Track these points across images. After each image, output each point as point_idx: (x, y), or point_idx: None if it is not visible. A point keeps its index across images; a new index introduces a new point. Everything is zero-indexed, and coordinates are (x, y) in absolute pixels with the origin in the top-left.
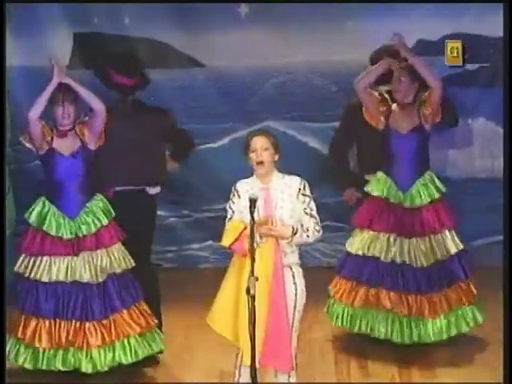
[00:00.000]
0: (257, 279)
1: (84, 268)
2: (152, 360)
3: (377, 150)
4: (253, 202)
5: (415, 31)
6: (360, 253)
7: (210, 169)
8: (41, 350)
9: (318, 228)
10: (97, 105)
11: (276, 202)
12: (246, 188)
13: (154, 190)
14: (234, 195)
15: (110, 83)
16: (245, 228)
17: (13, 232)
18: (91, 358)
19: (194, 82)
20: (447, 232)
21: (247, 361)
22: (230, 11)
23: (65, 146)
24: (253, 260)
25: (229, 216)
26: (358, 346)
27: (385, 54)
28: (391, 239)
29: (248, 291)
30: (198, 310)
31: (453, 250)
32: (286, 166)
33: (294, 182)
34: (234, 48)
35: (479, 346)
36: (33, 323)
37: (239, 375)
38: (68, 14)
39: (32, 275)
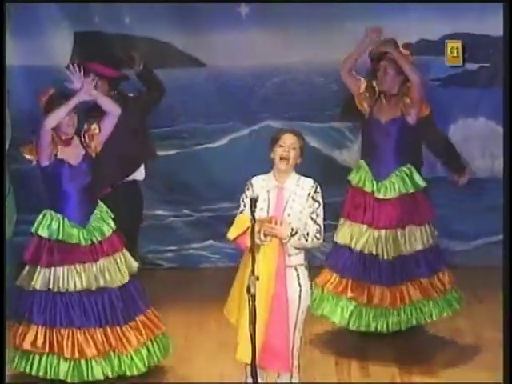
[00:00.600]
0: (257, 278)
1: (108, 272)
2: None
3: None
4: (253, 202)
5: (416, 31)
6: (341, 242)
7: (210, 168)
8: (83, 362)
9: (318, 236)
10: (113, 107)
11: (287, 202)
12: (260, 184)
13: (140, 175)
14: (248, 189)
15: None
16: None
17: (13, 231)
18: (132, 360)
19: (194, 81)
20: (415, 227)
21: (241, 356)
22: (230, 11)
23: (71, 154)
24: (253, 259)
25: (240, 209)
26: (358, 346)
27: (383, 47)
28: (363, 229)
29: (248, 290)
30: (198, 310)
31: (419, 246)
32: None
33: (307, 185)
34: (235, 48)
35: (479, 346)
36: (69, 335)
37: (246, 375)
38: (69, 13)
39: (56, 287)
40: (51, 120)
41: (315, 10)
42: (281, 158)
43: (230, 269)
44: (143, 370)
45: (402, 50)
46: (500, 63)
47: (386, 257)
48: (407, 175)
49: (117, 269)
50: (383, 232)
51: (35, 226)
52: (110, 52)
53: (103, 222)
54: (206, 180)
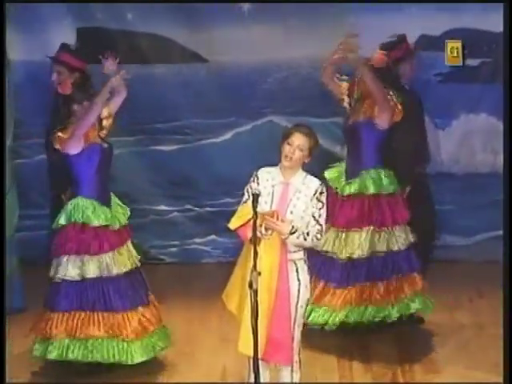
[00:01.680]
0: (259, 274)
1: (129, 257)
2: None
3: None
4: (255, 197)
5: (417, 27)
6: None
7: (213, 163)
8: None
9: (319, 236)
10: (124, 90)
11: (291, 199)
12: (266, 177)
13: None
14: (253, 180)
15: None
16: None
17: (15, 227)
18: (130, 347)
19: (196, 77)
20: (367, 228)
21: (243, 348)
22: (232, 8)
23: (97, 138)
24: (255, 254)
25: (244, 199)
26: (360, 341)
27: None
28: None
29: (251, 285)
30: (200, 305)
31: (364, 250)
32: None
33: (313, 184)
34: (237, 44)
35: (480, 341)
36: (110, 319)
37: (249, 367)
38: (71, 9)
39: (107, 271)
40: (99, 106)
41: (316, 6)
42: (285, 157)
43: (231, 264)
44: (142, 359)
45: (376, 55)
46: (501, 59)
47: (339, 256)
48: (372, 178)
49: (133, 253)
50: (341, 231)
51: (67, 215)
52: (112, 48)
53: (120, 208)
54: (208, 175)
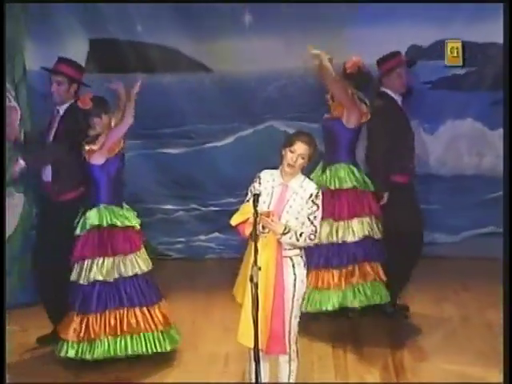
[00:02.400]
0: (259, 268)
1: (147, 254)
2: None
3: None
4: (256, 197)
5: (407, 37)
6: None
7: (216, 166)
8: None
9: (312, 237)
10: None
11: (288, 200)
12: (268, 178)
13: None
14: (256, 181)
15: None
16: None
17: (31, 225)
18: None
19: (201, 85)
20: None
21: (242, 339)
22: (235, 20)
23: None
24: (256, 251)
25: (247, 198)
26: (353, 330)
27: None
28: None
29: (251, 279)
30: (204, 297)
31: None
32: None
33: (310, 188)
34: (239, 54)
35: (465, 330)
36: (146, 313)
37: (250, 359)
38: (84, 21)
39: (136, 270)
40: (129, 119)
41: (314, 18)
42: (288, 164)
43: (234, 259)
44: (171, 348)
45: (349, 61)
46: (486, 68)
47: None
48: (329, 170)
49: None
50: None
51: (91, 221)
52: (122, 58)
53: (131, 211)
54: (212, 176)
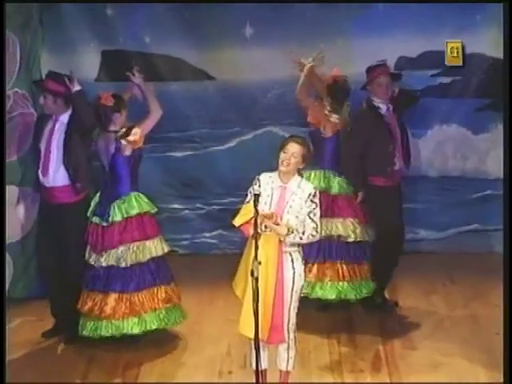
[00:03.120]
0: (259, 263)
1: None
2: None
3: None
4: (256, 197)
5: (397, 49)
6: None
7: (219, 168)
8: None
9: (314, 233)
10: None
11: (287, 201)
12: (266, 180)
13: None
14: (255, 183)
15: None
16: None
17: None
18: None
19: (205, 92)
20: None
21: (243, 329)
22: (236, 32)
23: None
24: (256, 246)
25: (247, 199)
26: (347, 321)
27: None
28: None
29: (252, 273)
30: (208, 290)
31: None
32: None
33: (308, 188)
34: (240, 63)
35: (452, 320)
36: (169, 291)
37: (251, 347)
38: (97, 34)
39: (159, 252)
40: (158, 112)
41: (310, 30)
42: (282, 162)
43: (236, 255)
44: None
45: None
46: (469, 77)
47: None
48: (307, 178)
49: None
50: None
51: (121, 210)
52: (132, 68)
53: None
54: (215, 178)
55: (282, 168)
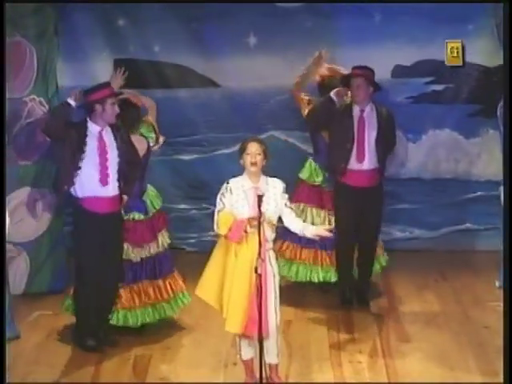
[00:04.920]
0: (262, 260)
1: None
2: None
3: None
4: (260, 198)
5: (392, 58)
6: None
7: (224, 170)
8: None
9: (293, 215)
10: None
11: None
12: (236, 185)
13: None
14: (226, 190)
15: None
16: (235, 219)
17: (64, 222)
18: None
19: (211, 99)
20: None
21: (229, 327)
22: (241, 42)
23: None
24: (260, 245)
25: (219, 208)
26: (346, 315)
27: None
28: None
29: (256, 270)
30: None
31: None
32: (288, 168)
33: (278, 184)
34: (245, 71)
35: (444, 315)
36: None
37: (239, 340)
38: (109, 43)
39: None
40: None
41: (310, 40)
42: (251, 164)
43: None
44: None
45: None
46: (461, 84)
47: None
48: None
49: None
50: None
51: (154, 200)
52: (142, 75)
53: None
54: (221, 180)
55: (251, 169)
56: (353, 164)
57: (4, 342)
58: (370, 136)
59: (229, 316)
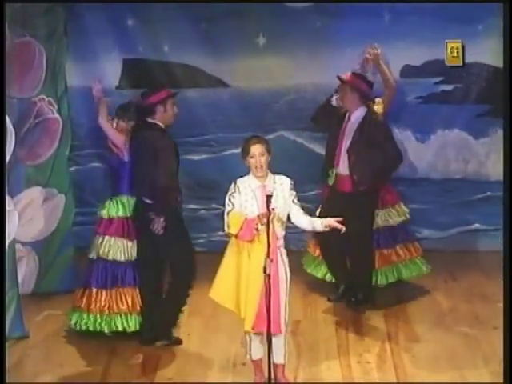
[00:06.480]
0: (271, 261)
1: None
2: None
3: None
4: (269, 198)
5: (402, 58)
6: None
7: (233, 170)
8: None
9: (301, 211)
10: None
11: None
12: (244, 185)
13: None
14: (234, 191)
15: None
16: (246, 218)
17: (72, 222)
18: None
19: (220, 99)
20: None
21: (247, 326)
22: (250, 42)
23: None
24: (268, 245)
25: (229, 209)
26: (355, 314)
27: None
28: None
29: (265, 270)
30: None
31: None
32: (296, 168)
33: (285, 181)
34: (254, 72)
35: (454, 315)
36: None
37: (250, 339)
38: (118, 43)
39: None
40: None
41: (319, 40)
42: (256, 168)
43: None
44: None
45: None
46: (470, 85)
47: None
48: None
49: None
50: None
51: (125, 208)
52: (151, 75)
53: None
54: (230, 180)
55: (257, 174)
56: (338, 168)
57: (4, 342)
58: (347, 142)
59: (247, 316)
